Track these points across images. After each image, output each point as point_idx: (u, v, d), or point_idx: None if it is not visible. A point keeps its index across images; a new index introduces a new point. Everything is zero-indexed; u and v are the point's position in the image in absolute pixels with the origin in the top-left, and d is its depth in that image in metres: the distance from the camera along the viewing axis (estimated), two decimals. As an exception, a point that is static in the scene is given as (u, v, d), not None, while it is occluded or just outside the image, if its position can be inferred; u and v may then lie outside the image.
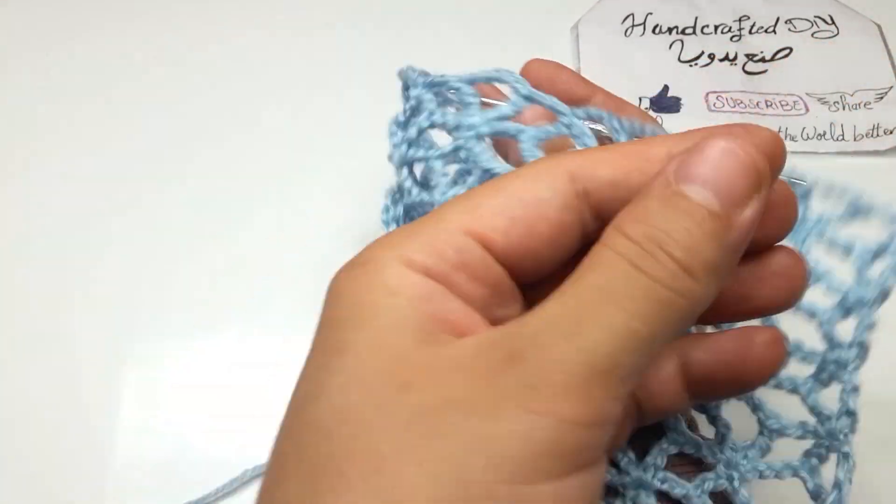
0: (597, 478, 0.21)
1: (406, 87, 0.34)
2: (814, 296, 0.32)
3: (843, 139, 0.58)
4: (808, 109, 0.60)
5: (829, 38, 0.64)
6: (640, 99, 0.60)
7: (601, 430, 0.20)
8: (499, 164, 0.30)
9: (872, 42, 0.63)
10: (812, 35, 0.64)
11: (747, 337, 0.27)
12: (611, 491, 0.30)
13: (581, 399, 0.19)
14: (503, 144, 0.33)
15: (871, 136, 0.58)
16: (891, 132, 0.58)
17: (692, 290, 0.21)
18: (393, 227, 0.33)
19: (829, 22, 0.65)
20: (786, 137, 0.58)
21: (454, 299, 0.22)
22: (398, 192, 0.33)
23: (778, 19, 0.65)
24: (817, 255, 0.31)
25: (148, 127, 0.59)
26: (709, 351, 0.27)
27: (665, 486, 0.31)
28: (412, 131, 0.32)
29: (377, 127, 0.37)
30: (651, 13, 0.66)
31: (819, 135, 0.59)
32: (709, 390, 0.27)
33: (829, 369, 0.32)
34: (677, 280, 0.21)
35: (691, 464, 0.32)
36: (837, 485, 0.31)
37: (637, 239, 0.21)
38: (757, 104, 0.60)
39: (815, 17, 0.65)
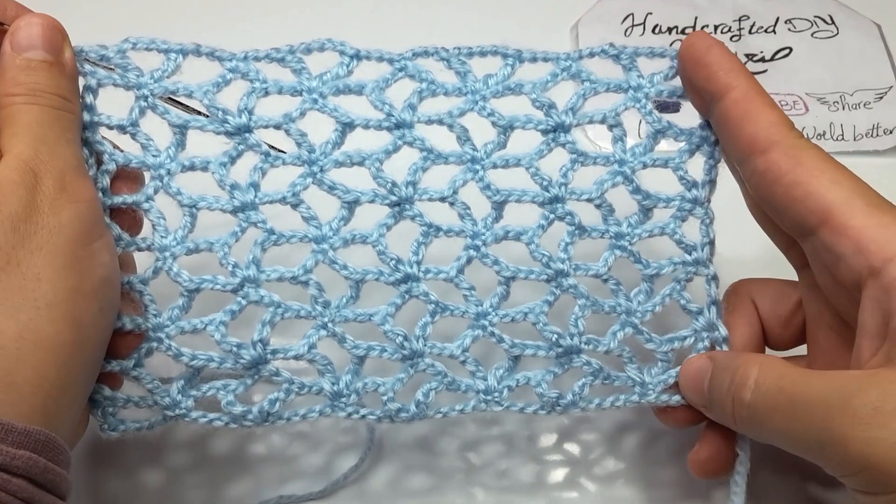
0: (112, 237, 0.37)
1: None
2: (666, 146, 0.41)
3: (842, 139, 0.58)
4: (807, 109, 0.60)
5: (829, 37, 0.64)
6: (640, 98, 0.60)
7: (99, 202, 0.36)
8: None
9: (872, 42, 0.63)
10: (812, 35, 0.64)
11: None
12: None
13: (86, 185, 0.35)
14: None
15: (871, 135, 0.58)
16: (890, 132, 0.58)
17: (67, 105, 0.36)
18: None
19: (829, 22, 0.65)
20: (786, 137, 0.58)
21: None
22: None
23: (778, 19, 0.65)
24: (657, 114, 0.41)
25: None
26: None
27: None
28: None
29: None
30: (651, 13, 0.66)
31: (819, 134, 0.58)
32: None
33: (687, 207, 0.41)
34: (55, 101, 0.35)
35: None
36: (715, 302, 0.40)
37: (19, 91, 0.35)
38: (757, 104, 0.60)
39: (815, 16, 0.65)
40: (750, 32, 0.65)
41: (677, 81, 0.41)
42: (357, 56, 0.40)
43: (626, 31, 0.65)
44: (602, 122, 0.41)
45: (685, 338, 0.41)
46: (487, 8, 0.67)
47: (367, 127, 0.40)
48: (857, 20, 0.65)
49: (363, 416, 0.39)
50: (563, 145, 0.40)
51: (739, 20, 0.65)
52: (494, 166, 0.40)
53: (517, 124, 0.40)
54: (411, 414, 0.39)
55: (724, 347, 0.40)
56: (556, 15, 0.66)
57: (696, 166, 0.41)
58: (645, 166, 0.41)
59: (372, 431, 0.45)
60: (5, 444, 0.29)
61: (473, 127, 0.41)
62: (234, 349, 0.38)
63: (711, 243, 0.41)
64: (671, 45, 0.63)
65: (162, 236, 0.39)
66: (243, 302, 0.39)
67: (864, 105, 0.60)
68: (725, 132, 0.38)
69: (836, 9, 0.65)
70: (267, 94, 0.40)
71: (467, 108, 0.40)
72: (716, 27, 0.65)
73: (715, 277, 0.41)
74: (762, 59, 0.63)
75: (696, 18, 0.65)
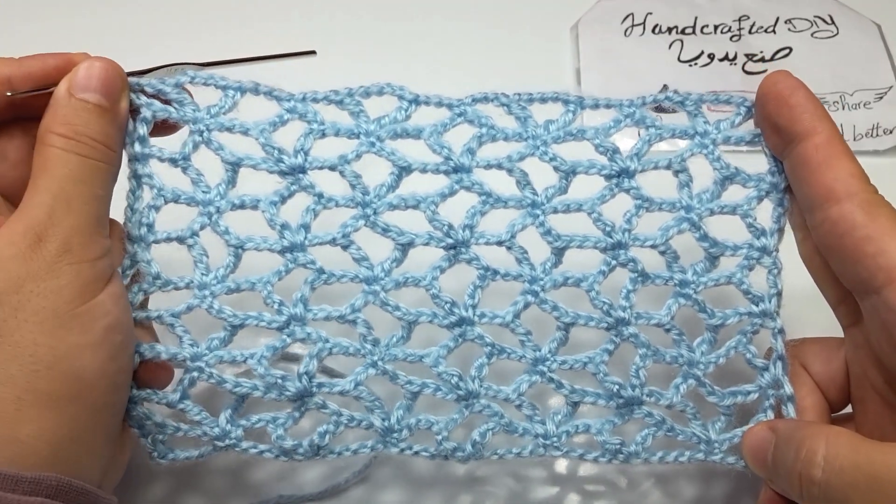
0: (121, 281, 0.36)
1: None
2: (733, 193, 0.40)
3: (842, 139, 0.58)
4: (807, 109, 0.60)
5: (829, 37, 0.64)
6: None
7: (109, 256, 0.35)
8: None
9: (872, 42, 0.63)
10: (812, 35, 0.64)
11: None
12: None
13: (95, 245, 0.34)
14: None
15: (871, 135, 0.58)
16: (890, 132, 0.58)
17: (108, 156, 0.36)
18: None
19: (829, 22, 0.65)
20: (785, 137, 0.58)
21: None
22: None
23: (778, 19, 0.65)
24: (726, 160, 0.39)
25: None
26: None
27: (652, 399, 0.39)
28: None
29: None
30: (651, 13, 0.66)
31: (819, 135, 0.58)
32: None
33: (755, 256, 0.39)
34: (97, 153, 0.35)
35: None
36: (781, 357, 0.39)
37: (65, 133, 0.35)
38: (757, 104, 0.60)
39: (815, 16, 0.65)
40: (750, 32, 0.65)
41: (743, 128, 0.40)
42: (416, 101, 0.39)
43: (626, 31, 0.65)
44: (668, 167, 0.39)
45: (749, 393, 0.39)
46: (488, 8, 0.67)
47: (424, 171, 0.39)
48: (857, 20, 0.65)
49: (416, 453, 0.38)
50: (628, 191, 0.39)
51: (739, 20, 0.65)
52: (555, 211, 0.39)
53: (580, 169, 0.39)
54: (467, 454, 0.38)
55: (790, 407, 0.38)
56: (556, 15, 0.66)
57: (762, 214, 0.40)
58: (712, 213, 0.39)
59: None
60: (17, 494, 0.30)
61: (533, 173, 0.40)
62: (279, 381, 0.37)
63: (779, 294, 0.39)
64: (670, 45, 0.64)
65: (203, 274, 0.38)
66: (288, 340, 0.38)
67: (864, 105, 0.60)
68: (802, 176, 0.37)
69: (836, 9, 0.65)
70: (324, 135, 0.39)
71: (528, 152, 0.39)
72: (716, 27, 0.65)
73: (782, 331, 0.39)
74: (762, 59, 0.63)
75: (696, 18, 0.65)
